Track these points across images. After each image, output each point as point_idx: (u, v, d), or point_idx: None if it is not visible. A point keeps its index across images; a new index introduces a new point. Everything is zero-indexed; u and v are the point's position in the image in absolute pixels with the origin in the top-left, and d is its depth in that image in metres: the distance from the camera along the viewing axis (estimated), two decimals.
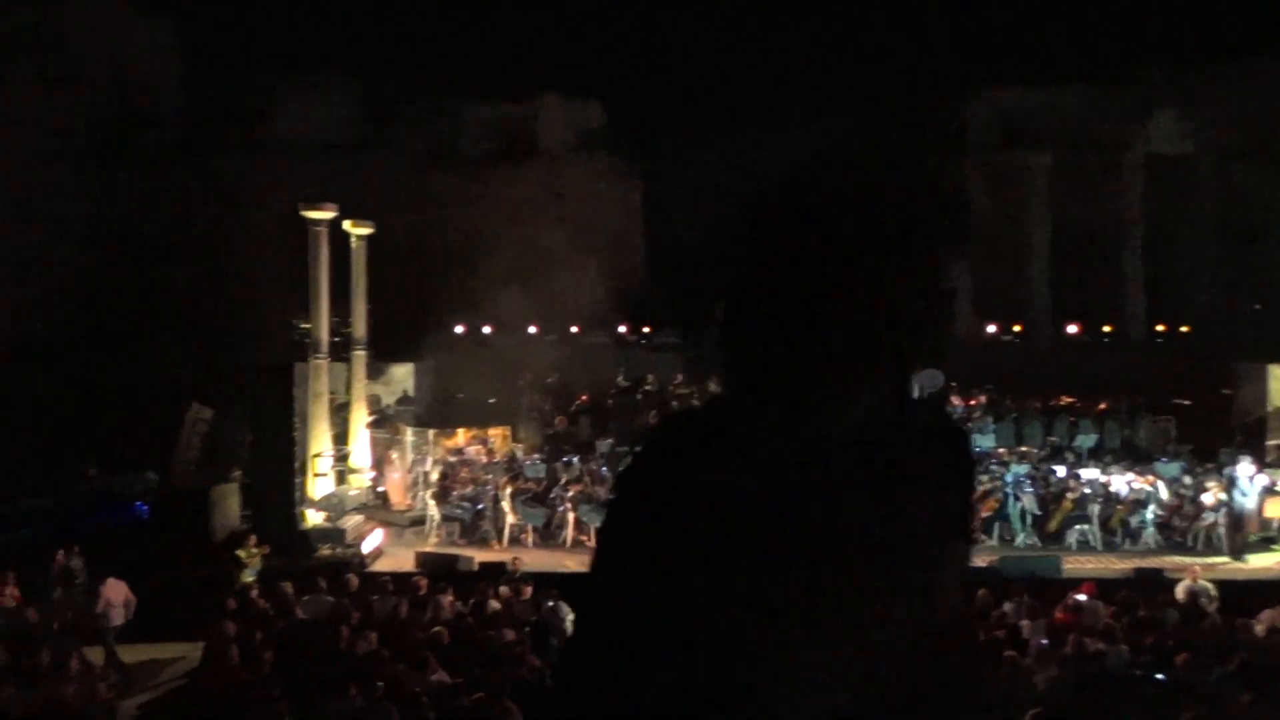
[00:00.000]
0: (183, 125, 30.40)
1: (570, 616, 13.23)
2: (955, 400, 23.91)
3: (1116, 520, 18.28)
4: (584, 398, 25.94)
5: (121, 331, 28.67)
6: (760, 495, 1.37)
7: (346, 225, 21.15)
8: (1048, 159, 28.19)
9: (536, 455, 21.76)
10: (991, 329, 28.22)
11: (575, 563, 17.20)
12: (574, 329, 28.65)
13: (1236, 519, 17.66)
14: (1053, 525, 18.35)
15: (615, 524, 1.53)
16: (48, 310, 26.21)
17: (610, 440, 23.36)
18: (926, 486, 1.48)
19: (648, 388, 26.05)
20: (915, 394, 1.60)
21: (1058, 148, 28.01)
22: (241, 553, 16.00)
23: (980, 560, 16.79)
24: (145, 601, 15.91)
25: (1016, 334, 28.23)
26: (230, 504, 20.13)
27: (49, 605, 14.25)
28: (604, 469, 20.30)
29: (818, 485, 1.39)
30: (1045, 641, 11.32)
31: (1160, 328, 28.18)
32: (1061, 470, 20.43)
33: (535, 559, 16.73)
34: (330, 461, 19.44)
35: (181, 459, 21.40)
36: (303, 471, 18.86)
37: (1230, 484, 17.89)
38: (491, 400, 25.69)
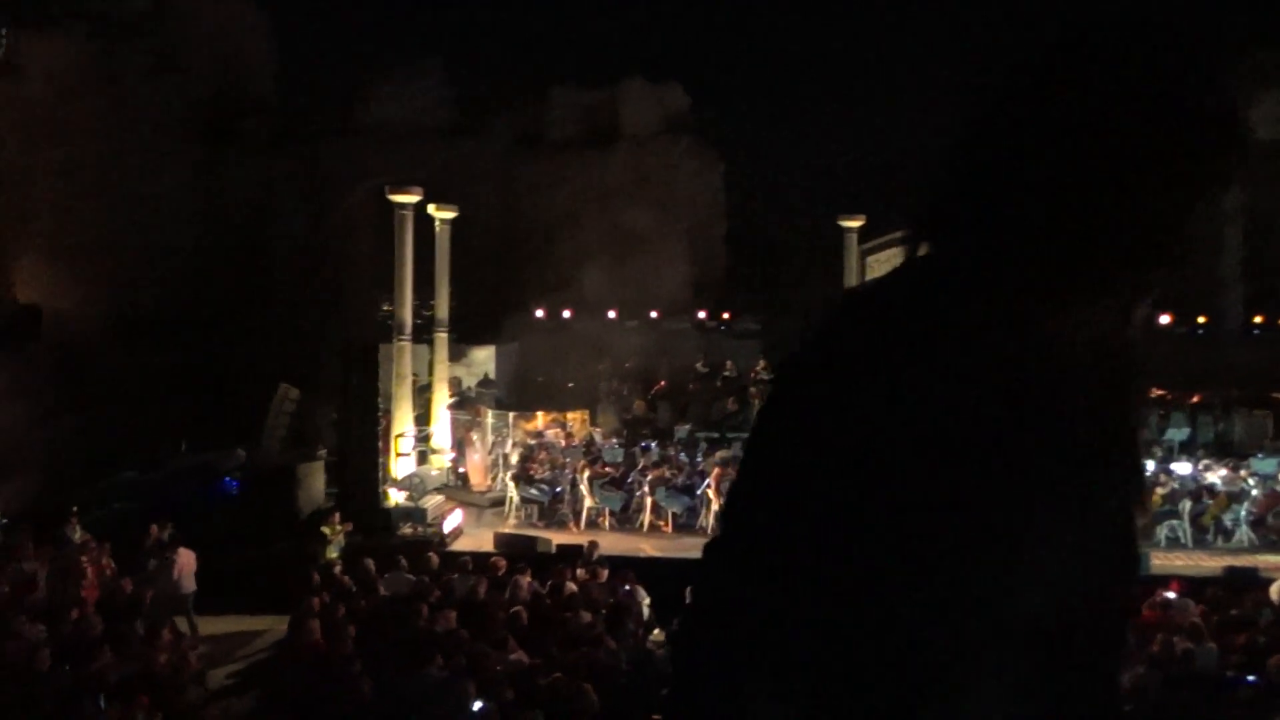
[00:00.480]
0: (279, 111, 31.04)
1: (646, 600, 13.30)
2: None
3: (1209, 517, 17.76)
4: (663, 383, 25.95)
5: (217, 311, 29.45)
6: (992, 396, 1.21)
7: (431, 209, 21.41)
8: None
9: (615, 440, 21.85)
10: None
11: (652, 547, 17.27)
12: (654, 314, 28.65)
13: None
14: (1141, 521, 17.88)
15: (785, 426, 1.30)
16: (152, 289, 27.02)
17: (688, 426, 23.37)
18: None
19: (727, 374, 25.97)
20: None
21: None
22: (326, 529, 16.34)
23: None
24: (233, 575, 16.36)
25: None
26: (315, 482, 20.60)
27: (144, 576, 14.70)
28: (682, 454, 20.32)
29: (1056, 393, 1.24)
30: (1131, 639, 11.07)
31: (1258, 319, 27.24)
32: (1151, 465, 19.92)
33: (612, 543, 16.80)
34: (412, 442, 19.75)
35: (270, 437, 21.96)
36: (386, 451, 19.19)
37: None
38: (571, 384, 25.89)
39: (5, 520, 17.25)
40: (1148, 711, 8.64)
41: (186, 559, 14.91)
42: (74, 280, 25.40)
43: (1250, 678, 9.77)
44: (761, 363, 25.72)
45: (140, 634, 10.89)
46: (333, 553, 15.86)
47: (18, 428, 21.32)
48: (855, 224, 23.21)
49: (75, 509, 16.98)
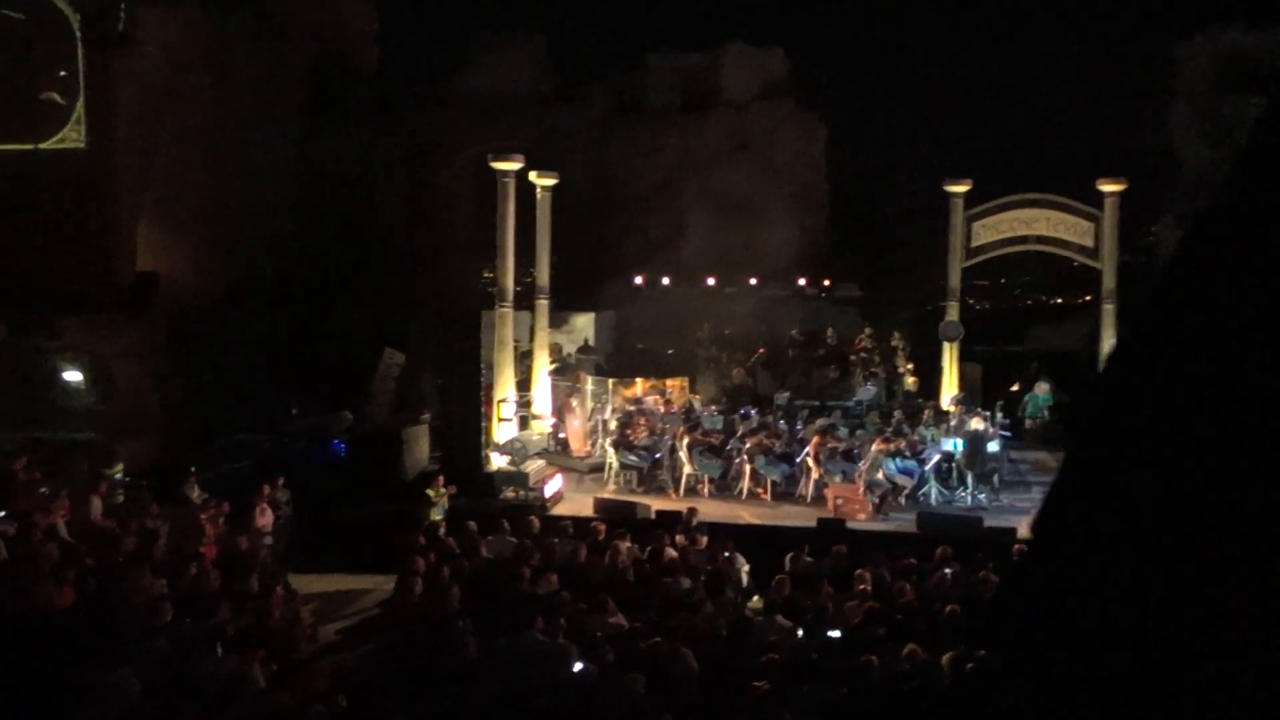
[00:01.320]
0: (381, 80, 31.48)
1: (745, 567, 13.29)
2: None
3: None
4: (762, 350, 25.78)
5: (324, 278, 30.15)
6: None
7: (532, 176, 21.52)
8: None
9: (714, 407, 21.80)
10: None
11: (750, 515, 17.24)
12: (753, 281, 28.43)
13: None
14: None
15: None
16: (261, 256, 27.77)
17: (787, 394, 23.20)
18: None
19: (828, 341, 25.68)
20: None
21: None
22: (430, 492, 16.68)
23: None
24: (340, 535, 16.85)
25: None
26: (420, 445, 21.02)
27: (257, 534, 15.22)
28: (781, 422, 20.19)
29: None
30: None
31: None
32: None
33: (711, 509, 16.82)
34: (514, 407, 19.98)
35: (376, 401, 22.45)
36: (488, 416, 19.46)
37: None
38: (670, 351, 25.88)
39: (128, 479, 17.97)
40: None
41: (266, 518, 15.44)
42: (188, 248, 26.22)
43: None
44: (867, 331, 25.39)
45: (254, 590, 11.27)
46: (436, 515, 16.20)
47: (138, 391, 22.19)
48: (961, 189, 22.67)
49: (193, 469, 17.63)
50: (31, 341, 20.80)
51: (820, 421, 19.85)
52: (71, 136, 23.14)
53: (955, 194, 22.71)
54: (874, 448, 17.84)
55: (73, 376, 21.06)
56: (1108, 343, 21.66)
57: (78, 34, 22.98)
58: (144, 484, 17.85)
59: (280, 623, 10.60)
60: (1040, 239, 22.91)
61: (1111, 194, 21.82)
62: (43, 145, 23.06)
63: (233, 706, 8.04)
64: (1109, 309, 21.95)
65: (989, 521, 16.22)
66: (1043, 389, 22.96)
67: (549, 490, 17.99)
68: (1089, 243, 22.37)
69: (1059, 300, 44.74)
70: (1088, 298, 31.73)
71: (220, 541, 14.06)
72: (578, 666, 9.32)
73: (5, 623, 9.58)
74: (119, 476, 17.73)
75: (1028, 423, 22.71)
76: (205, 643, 9.35)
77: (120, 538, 12.74)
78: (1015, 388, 23.73)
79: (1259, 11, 27.07)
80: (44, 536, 12.17)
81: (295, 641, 10.25)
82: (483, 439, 19.02)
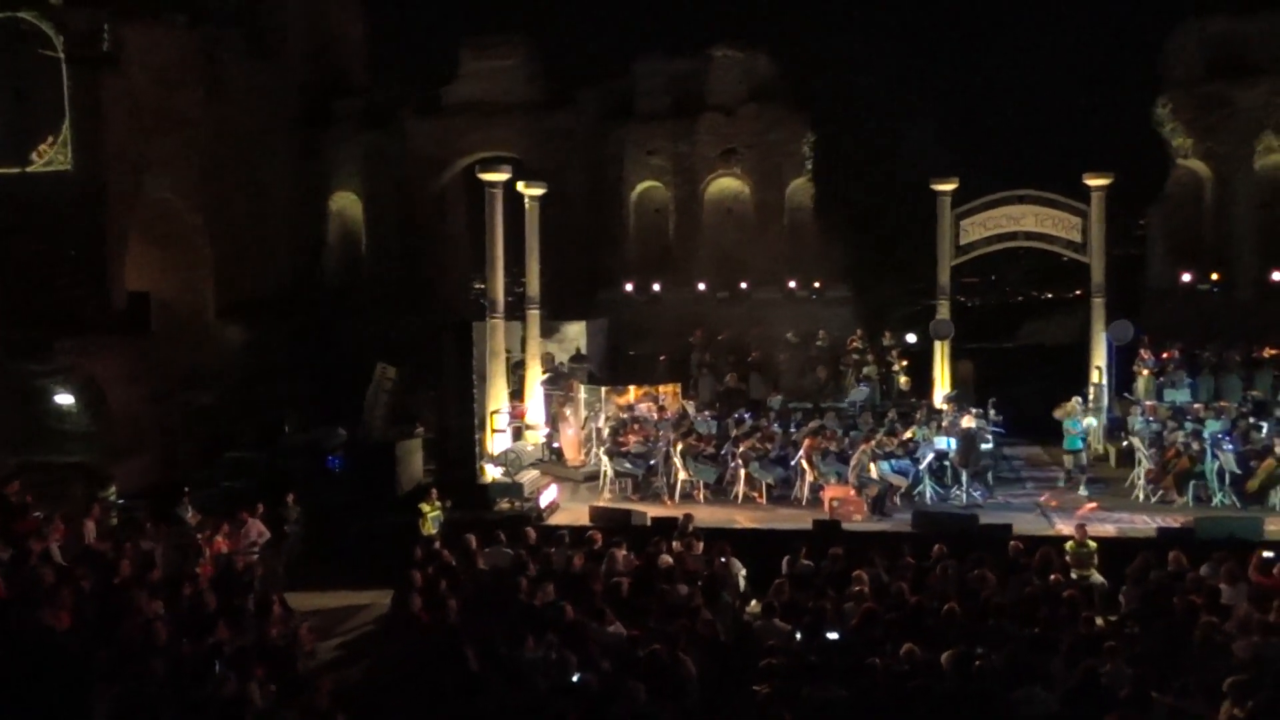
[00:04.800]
0: (372, 92, 31.44)
1: (742, 571, 13.31)
2: (1146, 353, 22.76)
3: None
4: (755, 354, 25.83)
5: (320, 292, 30.17)
6: None
7: (521, 186, 21.55)
8: (1257, 92, 26.19)
9: (708, 412, 21.83)
10: (1187, 277, 26.56)
11: (746, 519, 17.26)
12: (744, 285, 28.47)
13: None
14: (1254, 485, 17.30)
15: None
16: (258, 273, 27.79)
17: (781, 396, 23.25)
18: None
19: (819, 343, 25.73)
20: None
21: (1271, 79, 25.95)
22: (425, 506, 16.66)
23: (1175, 521, 16.05)
24: (338, 550, 16.83)
25: (1215, 282, 26.47)
26: (415, 459, 21.01)
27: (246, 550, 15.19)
28: (775, 426, 20.22)
29: None
30: (1248, 607, 10.71)
31: None
32: (1265, 427, 19.21)
33: (707, 515, 16.85)
34: (508, 418, 19.97)
35: (370, 415, 22.43)
36: (482, 428, 19.45)
37: None
38: (662, 357, 25.90)
39: (122, 500, 17.94)
40: (1268, 679, 8.36)
41: (256, 529, 15.45)
42: (182, 267, 26.21)
43: None
44: (858, 332, 25.44)
45: (252, 609, 11.25)
46: (431, 528, 16.18)
47: (132, 411, 22.13)
48: (948, 187, 22.74)
49: (187, 489, 17.61)
50: (23, 364, 20.74)
51: (813, 423, 19.88)
52: (58, 159, 23.10)
53: (943, 192, 22.79)
54: (860, 447, 17.89)
55: (65, 399, 21.00)
56: (1098, 336, 21.71)
57: (61, 55, 22.94)
58: (139, 505, 17.83)
59: (279, 640, 10.58)
60: (1028, 235, 22.98)
61: (1098, 188, 21.90)
62: (29, 169, 23.02)
63: None
64: (1098, 303, 22.01)
65: (984, 518, 16.27)
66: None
67: (544, 500, 17.99)
68: (1077, 237, 22.45)
69: (1049, 295, 44.85)
70: (1078, 292, 31.82)
71: (217, 561, 14.04)
72: (577, 676, 9.33)
73: (3, 647, 9.56)
74: (113, 498, 17.69)
75: None
76: (204, 663, 9.34)
77: (116, 560, 12.70)
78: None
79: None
80: (39, 561, 12.14)
81: (294, 659, 10.22)
82: (477, 451, 19.01)
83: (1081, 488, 18.50)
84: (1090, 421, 19.51)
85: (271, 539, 15.83)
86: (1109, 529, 16.02)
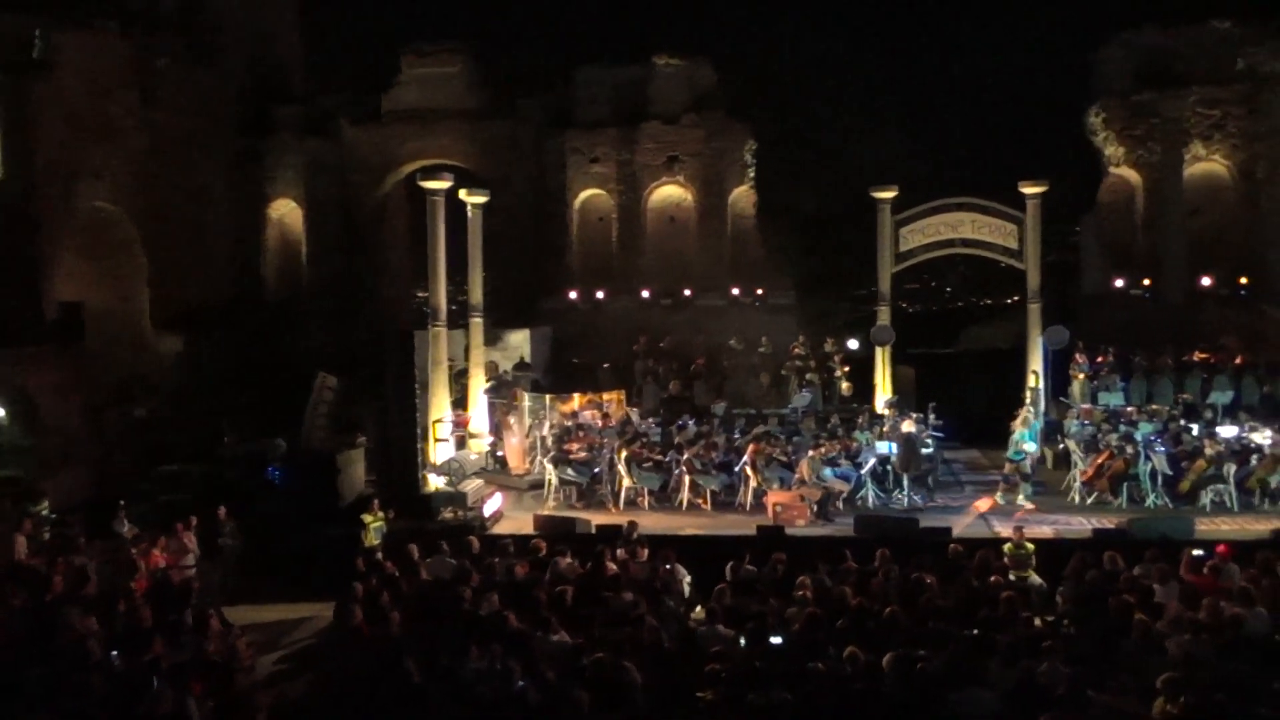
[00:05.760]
0: (312, 100, 31.14)
1: (686, 578, 13.33)
2: (1081, 357, 23.21)
3: (1255, 480, 17.52)
4: (699, 361, 25.93)
5: (260, 302, 29.78)
6: None
7: (463, 194, 21.46)
8: (1184, 103, 26.88)
9: (652, 419, 21.87)
10: (1120, 283, 27.16)
11: (691, 525, 17.30)
12: (687, 292, 28.60)
13: None
14: (1185, 486, 17.70)
15: None
16: (196, 282, 27.39)
17: (725, 403, 23.36)
18: None
19: (762, 350, 25.91)
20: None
21: (1197, 89, 26.67)
22: (367, 517, 16.51)
23: (1109, 522, 16.35)
24: (278, 563, 16.61)
25: (1147, 288, 27.08)
26: (356, 469, 20.82)
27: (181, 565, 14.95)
28: (719, 432, 20.30)
29: None
30: (1179, 605, 10.94)
31: None
32: (1196, 429, 19.68)
33: (651, 522, 16.87)
34: (451, 427, 19.85)
35: (311, 426, 22.18)
36: (424, 437, 19.31)
37: None
38: (606, 365, 25.91)
39: (55, 515, 17.56)
40: (1197, 678, 8.54)
41: (191, 541, 15.25)
42: (119, 277, 25.74)
43: None
44: (800, 338, 25.64)
45: (189, 624, 11.06)
46: (374, 539, 16.03)
47: (66, 424, 21.68)
48: (888, 195, 23.04)
49: (123, 502, 17.29)
50: None
51: (758, 429, 19.99)
52: None
53: (883, 200, 23.07)
54: (808, 454, 18.03)
55: None
56: (1035, 341, 22.07)
57: None
58: (72, 520, 17.46)
59: (217, 656, 10.40)
60: (966, 242, 23.32)
61: (1033, 196, 22.29)
62: None
63: None
64: (1034, 308, 22.40)
65: (925, 522, 16.46)
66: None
67: (488, 509, 17.90)
68: (1013, 244, 22.83)
69: (988, 301, 45.55)
70: (1015, 298, 32.34)
71: (153, 576, 13.79)
72: (521, 686, 9.27)
73: None
74: (45, 513, 17.31)
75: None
76: (140, 680, 9.15)
77: (48, 576, 12.43)
78: None
79: (1171, 12, 27.86)
80: None
81: (233, 675, 10.05)
82: (420, 460, 18.87)
83: (1023, 496, 18.47)
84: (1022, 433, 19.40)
85: (206, 553, 15.58)
86: (1046, 530, 16.27)
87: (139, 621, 10.99)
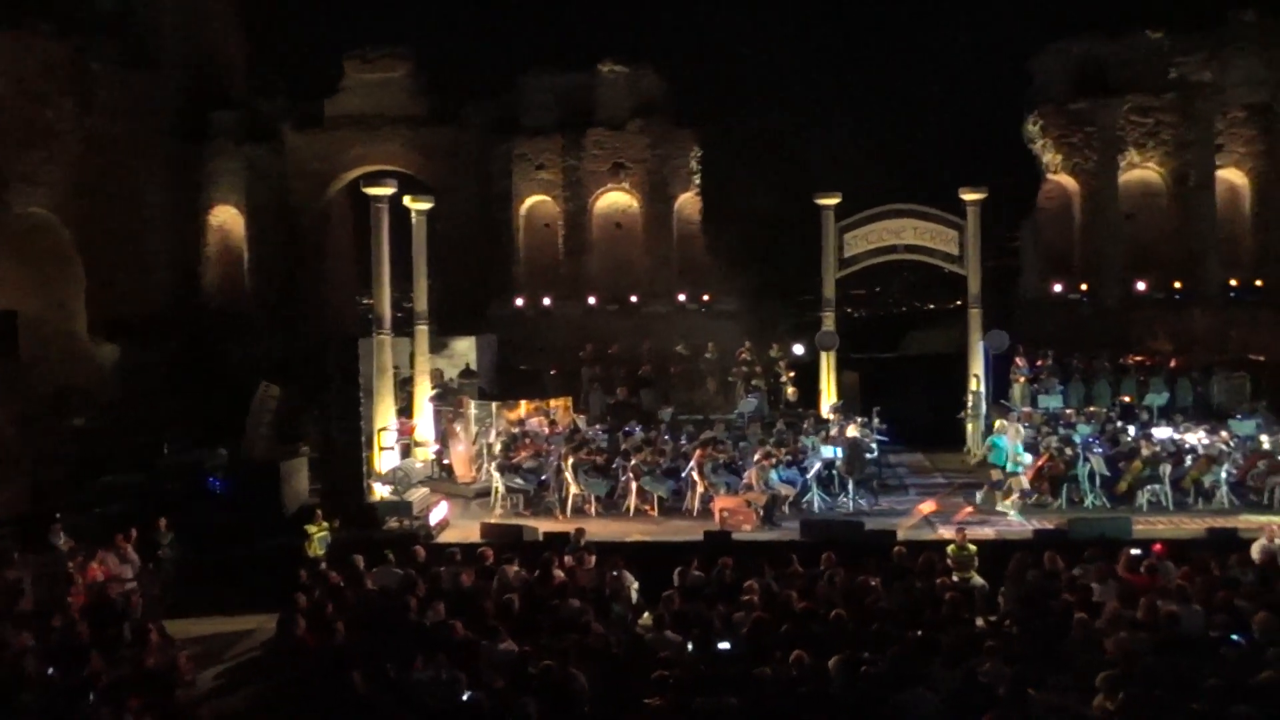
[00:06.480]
0: (253, 105, 30.77)
1: (634, 584, 13.34)
2: (1021, 360, 23.58)
3: (1190, 480, 17.91)
4: (646, 367, 25.97)
5: (199, 310, 29.33)
6: None
7: (407, 200, 21.31)
8: (1119, 109, 27.46)
9: (599, 426, 21.86)
10: (1058, 288, 27.66)
11: (638, 531, 17.31)
12: (634, 298, 28.64)
13: None
14: (1123, 486, 18.03)
15: None
16: (135, 290, 26.92)
17: (671, 409, 23.41)
18: None
19: (709, 356, 26.01)
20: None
21: (1131, 97, 27.28)
22: (311, 527, 16.31)
23: (1049, 523, 16.61)
24: (220, 574, 16.34)
25: (1084, 292, 27.61)
26: (300, 478, 20.54)
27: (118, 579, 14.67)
28: (666, 438, 20.34)
29: None
30: (1116, 604, 11.15)
31: (1233, 282, 27.35)
32: (1132, 430, 20.07)
33: (599, 528, 16.85)
34: (396, 435, 19.67)
35: (253, 435, 21.86)
36: (369, 446, 19.13)
37: None
38: (553, 371, 25.86)
39: None
40: (1135, 674, 8.71)
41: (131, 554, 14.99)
42: (54, 285, 25.21)
43: (1235, 637, 9.86)
44: (746, 344, 25.77)
45: (128, 638, 10.86)
46: (319, 550, 15.84)
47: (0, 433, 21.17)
48: (832, 201, 23.25)
49: (58, 515, 16.91)
50: None
51: (705, 435, 20.06)
52: None
53: (826, 206, 23.28)
54: (755, 459, 18.12)
55: None
56: (975, 345, 22.37)
57: None
58: (6, 534, 17.05)
59: (156, 670, 10.22)
60: (908, 248, 23.58)
61: (973, 202, 22.62)
62: None
63: None
64: (975, 313, 22.71)
65: (870, 525, 16.61)
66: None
67: (434, 518, 17.77)
68: (954, 250, 23.13)
69: (930, 306, 46.09)
70: (957, 303, 32.78)
71: (90, 589, 13.52)
72: (468, 695, 9.22)
73: None
74: None
75: None
76: (77, 695, 8.97)
77: None
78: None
79: (1108, 21, 28.47)
80: None
81: (173, 689, 9.89)
82: (364, 469, 18.68)
83: (1014, 512, 18.39)
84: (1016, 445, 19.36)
85: (145, 565, 15.30)
86: (988, 532, 16.49)
87: (75, 636, 10.78)
